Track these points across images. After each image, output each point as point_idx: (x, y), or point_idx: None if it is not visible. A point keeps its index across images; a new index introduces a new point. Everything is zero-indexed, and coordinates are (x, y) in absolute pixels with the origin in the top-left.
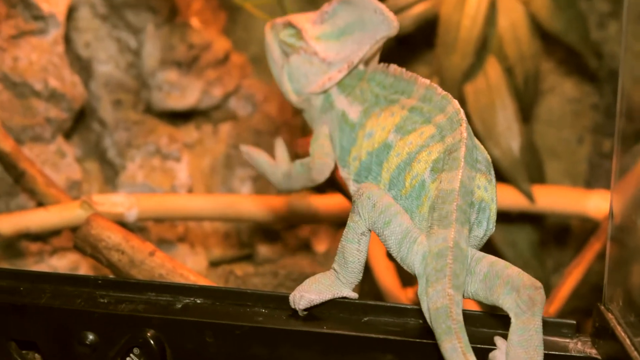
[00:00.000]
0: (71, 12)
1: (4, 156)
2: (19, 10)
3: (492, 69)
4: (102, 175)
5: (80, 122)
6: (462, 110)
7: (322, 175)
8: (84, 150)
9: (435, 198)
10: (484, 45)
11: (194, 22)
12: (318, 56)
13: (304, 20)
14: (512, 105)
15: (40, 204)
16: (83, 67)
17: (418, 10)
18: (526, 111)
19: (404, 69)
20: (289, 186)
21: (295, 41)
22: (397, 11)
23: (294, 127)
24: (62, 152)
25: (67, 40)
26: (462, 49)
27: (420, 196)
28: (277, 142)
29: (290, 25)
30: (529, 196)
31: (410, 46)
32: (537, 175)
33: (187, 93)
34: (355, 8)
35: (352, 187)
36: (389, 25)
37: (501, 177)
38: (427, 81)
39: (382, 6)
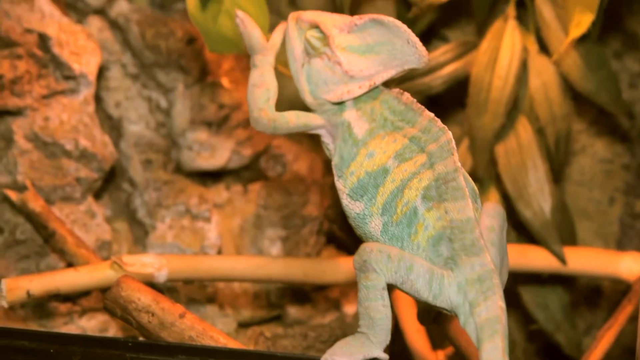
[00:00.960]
0: (102, 72)
1: (34, 216)
2: (50, 70)
3: (523, 130)
4: (131, 235)
5: (110, 181)
6: (453, 140)
7: (261, 126)
8: (114, 210)
9: (446, 229)
10: (515, 106)
11: (224, 81)
12: (341, 67)
13: (331, 24)
14: (543, 166)
15: (70, 264)
16: (113, 126)
17: (449, 70)
18: (557, 172)
19: (415, 100)
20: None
21: (320, 45)
22: (428, 71)
23: (324, 187)
24: (92, 212)
25: (98, 99)
26: (493, 109)
27: (411, 224)
28: (279, 26)
29: (317, 27)
30: (561, 258)
31: (441, 106)
32: (569, 236)
33: (217, 153)
34: (387, 31)
35: (344, 201)
36: (419, 59)
37: (532, 238)
38: (431, 115)
39: (415, 38)
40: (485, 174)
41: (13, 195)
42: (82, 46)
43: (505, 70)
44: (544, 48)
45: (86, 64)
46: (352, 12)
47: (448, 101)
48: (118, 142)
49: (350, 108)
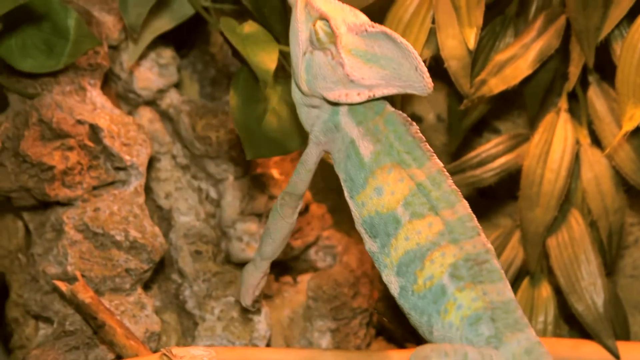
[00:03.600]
0: (152, 163)
1: (83, 307)
2: (101, 161)
3: (576, 223)
4: (180, 326)
5: (159, 272)
6: (474, 217)
7: (295, 212)
8: (163, 301)
9: (487, 310)
10: (567, 199)
11: (274, 173)
12: (343, 69)
13: (341, 21)
14: (595, 259)
15: (119, 356)
16: (163, 217)
17: (501, 162)
18: (610, 265)
19: (423, 137)
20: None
21: (326, 41)
22: (480, 163)
23: (374, 279)
24: (142, 303)
25: (148, 190)
26: (545, 202)
27: (439, 301)
28: None
29: (326, 20)
30: (614, 353)
31: (493, 198)
32: (622, 330)
33: None
34: (397, 50)
35: (359, 228)
36: (423, 88)
37: (585, 332)
38: (440, 164)
39: (423, 67)
40: (537, 267)
41: (63, 286)
42: (133, 137)
43: (557, 163)
44: (596, 141)
45: (137, 155)
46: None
47: (499, 193)
48: (168, 233)
49: (349, 121)
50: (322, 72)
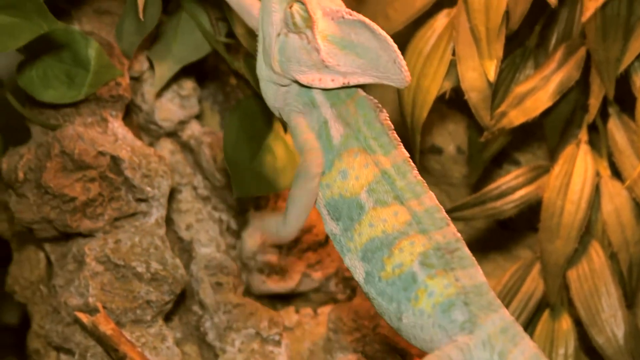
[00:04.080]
0: (173, 194)
1: (105, 339)
2: (123, 192)
3: (596, 255)
4: (201, 358)
5: (180, 304)
6: (442, 208)
7: (320, 168)
8: (184, 333)
9: (460, 295)
10: (588, 231)
11: None
12: (319, 54)
13: (317, 5)
14: (616, 292)
15: None
16: (184, 249)
17: (521, 194)
18: (630, 297)
19: (391, 125)
20: (293, 214)
21: (302, 24)
22: (500, 195)
23: None
24: (163, 335)
25: (169, 221)
26: (566, 234)
27: (409, 288)
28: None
29: (303, 4)
30: None
31: (513, 230)
32: None
33: (287, 276)
34: (375, 40)
35: (322, 209)
36: (401, 80)
37: None
38: (407, 154)
39: (401, 59)
40: (558, 299)
41: (84, 317)
42: (154, 169)
43: (577, 195)
44: (616, 173)
45: (158, 186)
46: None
47: (519, 225)
48: (189, 265)
49: (323, 101)
50: (296, 56)
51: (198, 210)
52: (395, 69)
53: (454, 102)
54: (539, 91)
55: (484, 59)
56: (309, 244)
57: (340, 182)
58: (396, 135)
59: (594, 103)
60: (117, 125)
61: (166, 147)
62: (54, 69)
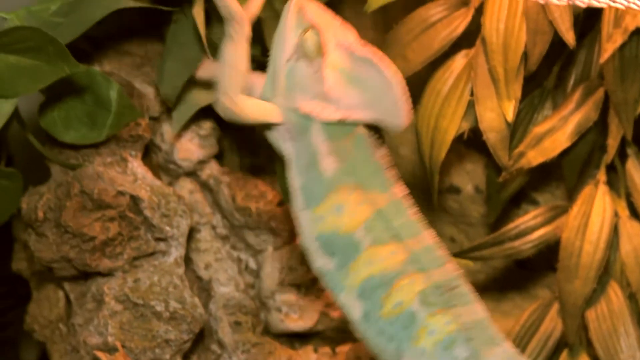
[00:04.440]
0: (192, 233)
1: None
2: (142, 232)
3: (615, 295)
4: None
5: (199, 343)
6: (441, 245)
7: (222, 111)
8: None
9: (461, 332)
10: (606, 271)
11: None
12: (324, 84)
13: (332, 35)
14: (635, 332)
15: None
16: (203, 288)
17: (539, 234)
18: None
19: (390, 162)
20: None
21: (313, 52)
22: (518, 235)
23: None
24: None
25: (187, 261)
26: (584, 274)
27: (409, 327)
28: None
29: (317, 33)
30: None
31: (531, 269)
32: None
33: (305, 315)
34: (382, 80)
35: (311, 244)
36: (398, 123)
37: None
38: (403, 192)
39: (404, 103)
40: (576, 339)
41: (103, 356)
42: (173, 208)
43: (596, 236)
44: (634, 213)
45: (177, 226)
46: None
47: (538, 264)
48: (207, 304)
49: (319, 133)
50: (302, 83)
51: (217, 249)
52: (396, 110)
53: (472, 142)
54: (557, 132)
55: (502, 100)
56: None
57: (335, 217)
58: (394, 173)
59: (612, 143)
60: (136, 165)
61: (185, 186)
62: (75, 110)
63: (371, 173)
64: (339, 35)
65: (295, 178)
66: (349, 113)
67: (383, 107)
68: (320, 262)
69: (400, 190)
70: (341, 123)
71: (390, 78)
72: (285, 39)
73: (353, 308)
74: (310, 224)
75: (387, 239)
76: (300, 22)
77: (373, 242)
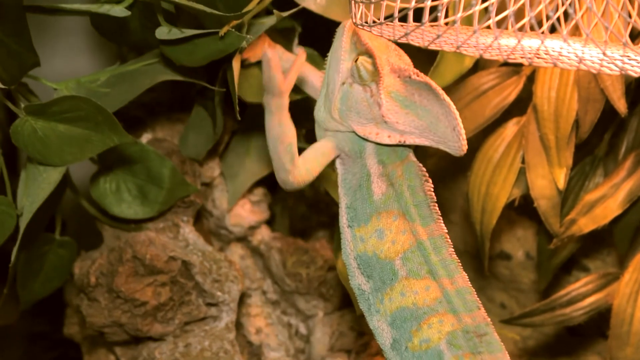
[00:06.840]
0: (243, 298)
1: None
2: (193, 297)
3: None
4: None
5: None
6: (474, 291)
7: (290, 186)
8: None
9: None
10: None
11: None
12: (380, 109)
13: (386, 61)
14: None
15: None
16: (253, 353)
17: (590, 301)
18: None
19: (434, 198)
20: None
21: (368, 77)
22: (569, 302)
23: None
24: None
25: (238, 325)
26: (636, 341)
27: None
28: (294, 66)
29: (372, 57)
30: None
31: (582, 336)
32: None
33: None
34: (438, 105)
35: (352, 262)
36: (457, 148)
37: None
38: (445, 230)
39: (461, 129)
40: None
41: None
42: (225, 274)
43: None
44: None
45: (228, 291)
46: None
47: (588, 331)
48: None
49: (372, 156)
50: (357, 107)
51: (267, 314)
52: (453, 136)
53: (523, 208)
54: (608, 199)
55: (553, 167)
56: (378, 348)
57: (376, 241)
58: (437, 209)
59: None
60: (188, 231)
61: (236, 251)
62: (127, 183)
63: (417, 204)
64: (393, 59)
65: (343, 197)
66: (405, 137)
67: (440, 132)
68: (358, 281)
69: (441, 227)
70: (395, 148)
71: (447, 103)
72: (340, 63)
73: (384, 333)
74: (352, 242)
75: (423, 273)
76: (354, 46)
77: (409, 274)
